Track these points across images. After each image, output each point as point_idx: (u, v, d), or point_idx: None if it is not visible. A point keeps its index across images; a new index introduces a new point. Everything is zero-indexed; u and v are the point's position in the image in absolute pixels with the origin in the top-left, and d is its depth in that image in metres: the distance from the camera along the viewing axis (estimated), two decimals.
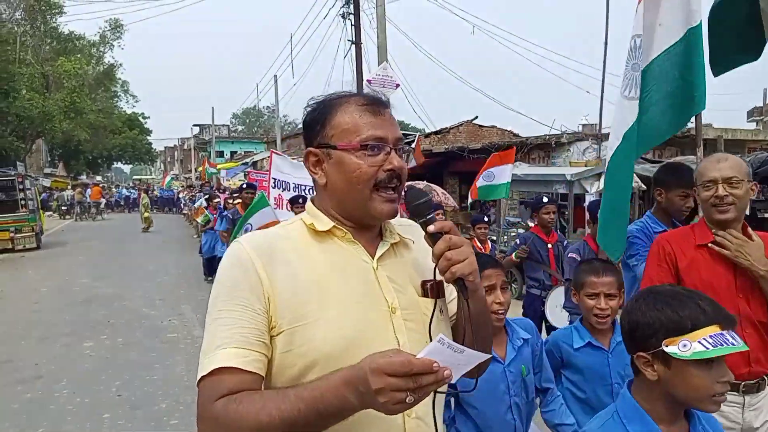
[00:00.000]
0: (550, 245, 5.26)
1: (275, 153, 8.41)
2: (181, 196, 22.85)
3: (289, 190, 7.80)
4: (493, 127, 21.42)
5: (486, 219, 6.53)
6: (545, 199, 5.40)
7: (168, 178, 29.50)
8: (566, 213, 9.43)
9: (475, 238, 6.17)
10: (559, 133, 13.60)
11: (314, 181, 1.36)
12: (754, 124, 33.40)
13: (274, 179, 7.92)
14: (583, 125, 17.86)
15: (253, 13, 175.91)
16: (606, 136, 11.72)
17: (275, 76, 26.15)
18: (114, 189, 44.01)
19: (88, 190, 32.31)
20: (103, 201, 33.57)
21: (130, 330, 7.58)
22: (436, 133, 20.14)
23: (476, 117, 20.98)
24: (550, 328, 4.89)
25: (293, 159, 8.72)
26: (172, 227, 24.62)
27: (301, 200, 6.68)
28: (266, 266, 1.23)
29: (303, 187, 7.75)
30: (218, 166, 32.19)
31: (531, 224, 11.02)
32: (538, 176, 9.92)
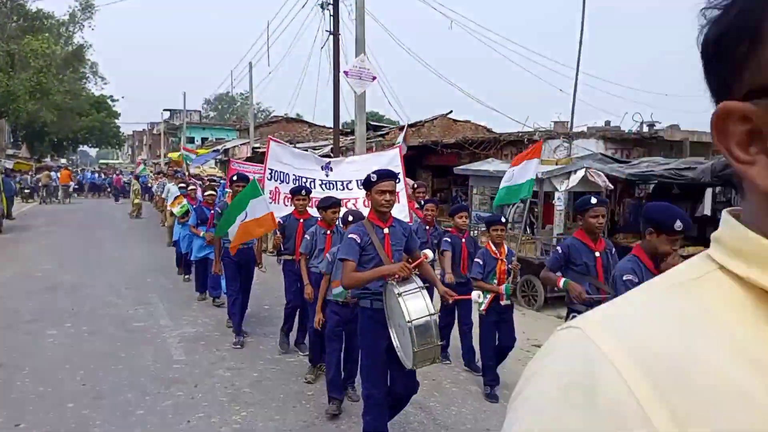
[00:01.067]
0: (597, 253, 4.33)
1: (274, 140, 7.42)
2: (151, 183, 22.39)
3: (287, 183, 7.01)
4: (467, 121, 21.56)
5: (504, 219, 5.36)
6: (594, 200, 4.27)
7: (141, 167, 28.74)
8: (536, 210, 9.54)
9: (489, 241, 5.31)
10: (532, 130, 13.75)
11: (740, 178, 0.57)
12: None
13: (271, 170, 7.01)
14: (555, 122, 18.10)
15: None
16: (577, 135, 11.92)
17: (250, 63, 25.75)
18: (81, 171, 42.90)
19: (54, 173, 31.50)
20: (72, 184, 32.85)
21: (95, 319, 7.45)
22: (411, 126, 20.16)
23: (451, 111, 21.09)
24: None
25: (295, 147, 8.12)
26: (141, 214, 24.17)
27: (304, 192, 6.18)
28: (675, 415, 0.46)
29: (305, 180, 7.10)
30: (198, 151, 31.65)
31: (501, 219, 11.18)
32: None
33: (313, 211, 6.02)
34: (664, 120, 17.45)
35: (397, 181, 6.97)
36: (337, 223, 5.50)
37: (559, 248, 4.41)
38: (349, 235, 3.77)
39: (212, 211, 8.10)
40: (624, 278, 3.16)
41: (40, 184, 29.51)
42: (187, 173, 18.52)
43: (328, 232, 5.37)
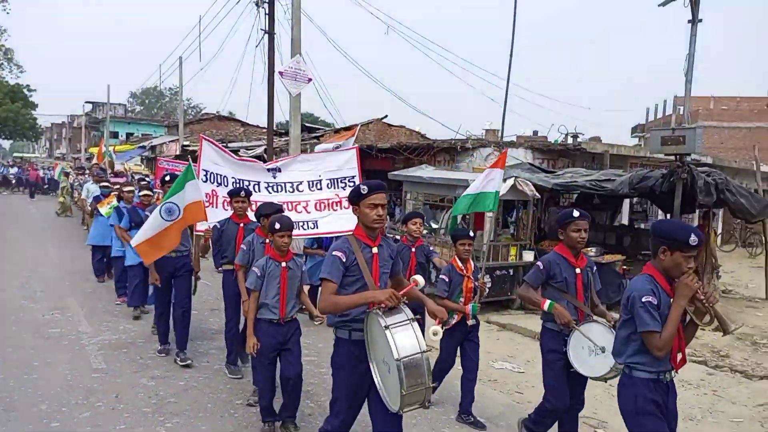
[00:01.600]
0: (578, 270, 4.08)
1: (207, 140, 6.68)
2: (71, 180, 21.13)
3: (226, 185, 6.45)
4: (402, 126, 21.81)
5: (471, 234, 4.96)
6: (576, 213, 4.02)
7: (58, 169, 26.91)
8: (467, 217, 9.80)
9: (455, 257, 4.91)
10: (464, 138, 14.08)
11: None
12: (637, 140, 36.43)
13: (206, 172, 6.38)
14: (486, 130, 18.63)
15: None
16: (507, 144, 12.31)
17: (180, 57, 24.92)
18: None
19: None
20: None
21: (6, 325, 6.97)
22: (345, 128, 20.16)
23: (386, 116, 21.27)
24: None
25: (233, 154, 7.16)
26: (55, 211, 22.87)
27: (243, 193, 5.67)
28: None
29: (247, 183, 6.55)
30: (115, 148, 30.24)
31: (434, 225, 11.41)
32: (442, 179, 10.22)
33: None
34: (586, 132, 18.35)
35: (351, 185, 6.61)
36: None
37: (540, 264, 4.11)
38: (333, 252, 3.24)
39: (147, 214, 6.87)
40: (643, 300, 2.94)
41: None
42: (110, 170, 17.63)
43: (268, 241, 4.76)
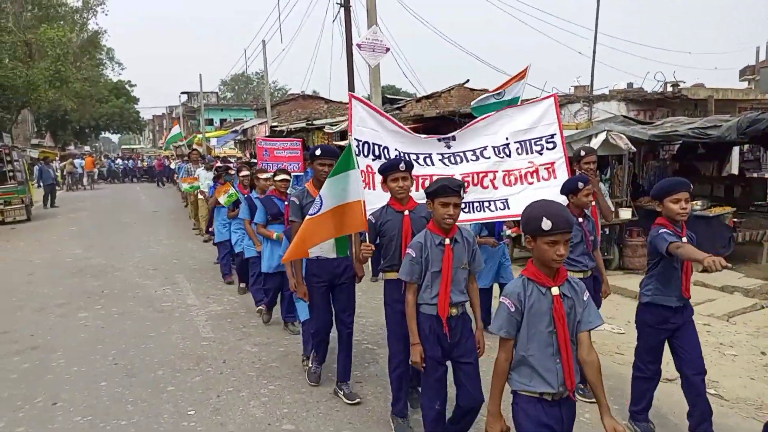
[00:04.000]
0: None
1: (356, 98, 4.65)
2: (173, 165, 22.42)
3: (380, 158, 4.53)
4: (484, 90, 21.17)
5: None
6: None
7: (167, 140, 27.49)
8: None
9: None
10: (549, 94, 13.48)
11: None
12: (746, 83, 33.27)
13: (358, 141, 4.46)
14: (575, 87, 17.72)
15: None
16: (598, 98, 11.64)
17: (263, 41, 25.75)
18: (104, 159, 43.57)
19: (78, 160, 32.09)
20: (96, 171, 33.54)
21: (124, 300, 7.61)
22: (427, 97, 19.93)
23: (467, 80, 20.74)
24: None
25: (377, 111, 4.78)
26: (162, 197, 24.54)
27: (402, 165, 3.81)
28: None
29: (416, 158, 4.66)
30: (208, 134, 31.77)
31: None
32: None
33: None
34: (688, 79, 16.97)
35: (550, 147, 4.84)
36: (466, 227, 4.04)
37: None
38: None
39: (287, 203, 5.31)
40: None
41: (65, 172, 30.10)
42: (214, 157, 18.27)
43: (447, 241, 3.30)
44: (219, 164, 10.79)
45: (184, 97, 51.75)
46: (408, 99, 21.50)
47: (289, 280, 4.59)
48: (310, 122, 21.00)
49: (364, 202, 3.83)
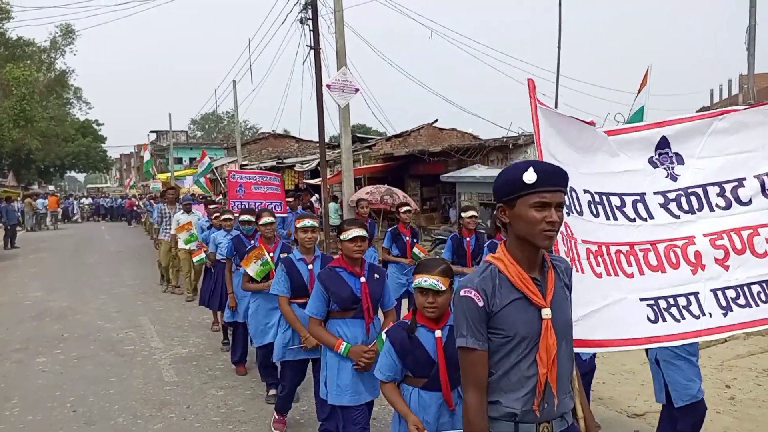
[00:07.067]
0: None
1: (541, 104, 2.62)
2: (140, 203, 22.01)
3: (571, 210, 2.61)
4: (453, 129, 21.66)
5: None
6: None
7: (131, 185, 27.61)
8: None
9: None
10: (516, 135, 13.83)
11: None
12: None
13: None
14: None
15: (210, 18, 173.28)
16: None
17: (234, 81, 25.80)
18: (66, 199, 42.70)
19: (41, 200, 31.37)
20: (60, 210, 32.89)
21: (85, 344, 7.36)
22: (396, 136, 20.24)
23: (436, 120, 21.18)
24: None
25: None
26: (127, 236, 24.09)
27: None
28: None
29: (618, 197, 2.68)
30: (176, 173, 31.47)
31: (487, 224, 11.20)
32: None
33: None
34: (649, 120, 17.64)
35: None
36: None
37: None
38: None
39: (310, 267, 4.14)
40: None
41: (24, 211, 29.33)
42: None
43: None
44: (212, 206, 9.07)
45: (153, 136, 51.39)
46: (378, 138, 21.77)
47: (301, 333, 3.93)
48: (280, 161, 21.06)
49: None
